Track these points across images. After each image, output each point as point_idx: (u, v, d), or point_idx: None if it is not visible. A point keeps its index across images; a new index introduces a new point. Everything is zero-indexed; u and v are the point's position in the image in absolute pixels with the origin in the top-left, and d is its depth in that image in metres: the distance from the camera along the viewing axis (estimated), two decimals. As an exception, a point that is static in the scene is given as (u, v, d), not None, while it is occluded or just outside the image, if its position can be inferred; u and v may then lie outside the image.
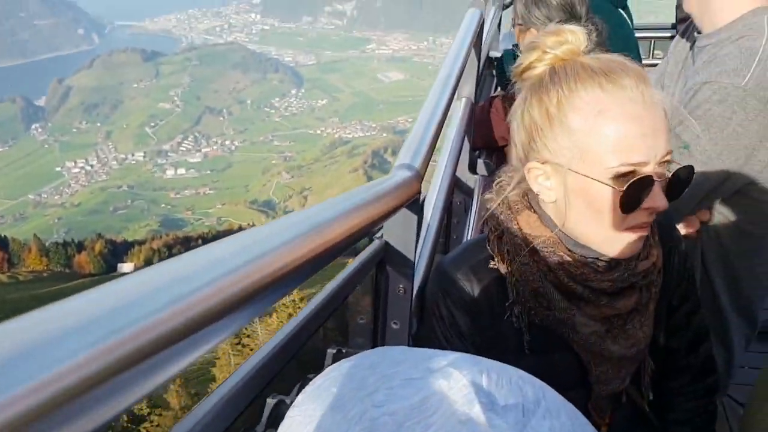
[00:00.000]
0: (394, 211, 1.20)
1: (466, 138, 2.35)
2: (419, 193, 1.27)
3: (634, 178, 0.99)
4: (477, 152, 2.73)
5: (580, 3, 2.51)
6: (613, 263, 1.09)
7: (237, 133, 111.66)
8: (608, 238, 1.06)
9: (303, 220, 0.84)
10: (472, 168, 2.52)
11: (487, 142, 2.66)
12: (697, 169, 1.40)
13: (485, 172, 2.52)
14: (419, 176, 1.27)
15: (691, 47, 1.58)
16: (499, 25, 4.00)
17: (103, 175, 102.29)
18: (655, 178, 1.00)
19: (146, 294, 0.47)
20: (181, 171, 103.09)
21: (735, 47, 1.40)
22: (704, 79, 1.41)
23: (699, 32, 1.54)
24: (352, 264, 1.23)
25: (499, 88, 3.37)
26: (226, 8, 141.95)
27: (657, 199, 1.01)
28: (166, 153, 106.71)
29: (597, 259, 1.09)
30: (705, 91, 1.40)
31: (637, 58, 2.91)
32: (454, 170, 2.07)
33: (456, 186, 2.34)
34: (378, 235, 1.39)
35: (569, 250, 1.10)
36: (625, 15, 3.07)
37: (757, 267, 1.59)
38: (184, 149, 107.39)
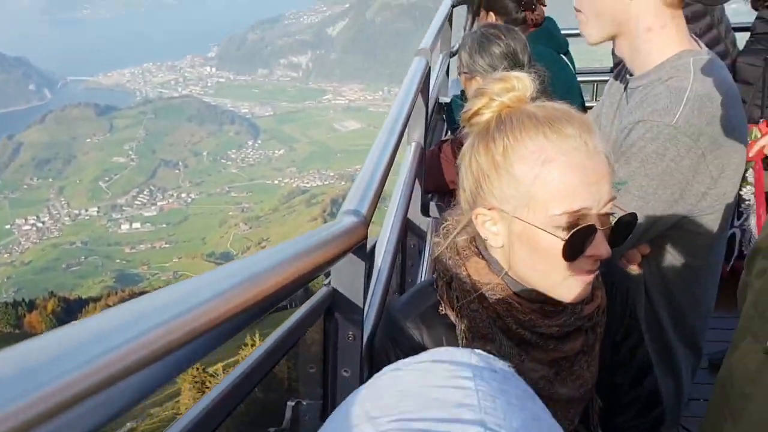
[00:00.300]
0: (339, 257, 1.19)
1: (417, 182, 2.36)
2: (365, 238, 1.26)
3: (577, 227, 1.01)
4: (429, 195, 2.75)
5: (522, 51, 2.59)
6: (560, 308, 1.10)
7: (193, 185, 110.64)
8: (553, 285, 1.08)
9: (238, 271, 0.82)
10: (425, 211, 2.53)
11: (438, 186, 2.68)
12: (635, 204, 1.47)
13: (437, 215, 2.54)
14: (365, 221, 1.27)
15: (625, 88, 1.64)
16: (448, 71, 4.09)
17: (56, 231, 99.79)
18: (598, 227, 1.02)
19: (58, 354, 0.44)
20: (137, 225, 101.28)
21: (664, 88, 1.47)
22: (637, 119, 1.47)
23: (631, 74, 1.61)
24: (297, 312, 1.20)
25: (449, 133, 3.42)
26: (181, 62, 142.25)
27: (600, 248, 1.03)
28: (121, 207, 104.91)
29: (544, 304, 1.10)
30: (639, 130, 1.45)
31: (581, 101, 3.00)
32: (405, 213, 2.07)
33: (409, 229, 2.35)
34: (327, 281, 1.37)
35: (517, 296, 1.11)
36: (566, 60, 3.16)
37: (698, 297, 1.63)
38: (140, 203, 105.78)
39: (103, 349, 0.48)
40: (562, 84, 2.92)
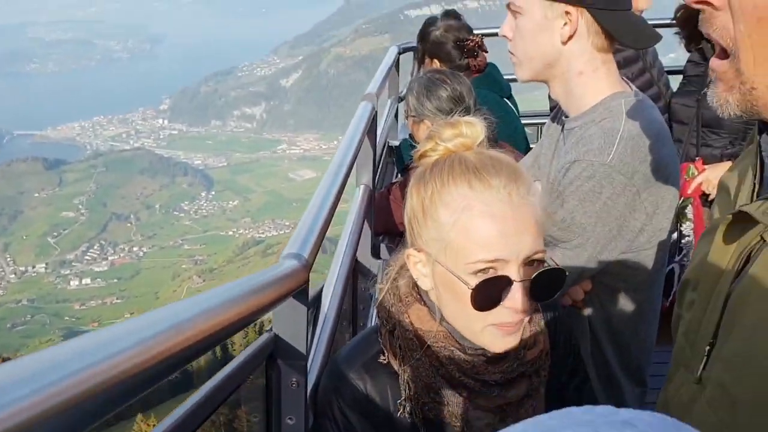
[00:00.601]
0: (277, 301, 1.17)
1: (366, 224, 2.36)
2: (307, 282, 1.25)
3: (487, 277, 1.02)
4: (380, 237, 2.74)
5: (468, 94, 2.64)
6: (503, 354, 1.09)
7: (145, 238, 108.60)
8: (475, 334, 1.08)
9: (162, 319, 0.78)
10: (375, 253, 2.52)
11: (387, 228, 2.68)
12: (576, 241, 1.51)
13: (388, 257, 2.53)
14: (307, 265, 1.25)
15: (562, 130, 1.68)
16: (396, 115, 4.15)
17: (0, 290, 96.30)
18: (515, 279, 1.02)
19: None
20: (87, 281, 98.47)
21: (598, 128, 1.52)
22: (573, 158, 1.51)
23: (566, 116, 1.65)
24: (235, 360, 1.16)
25: (399, 175, 3.45)
26: (133, 114, 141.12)
27: (517, 300, 1.03)
28: (70, 263, 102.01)
29: (487, 350, 1.09)
30: (575, 169, 1.50)
31: (525, 144, 3.07)
32: (354, 256, 2.06)
33: (359, 272, 2.33)
34: (269, 327, 1.34)
35: (459, 344, 1.10)
36: (510, 104, 3.24)
37: (641, 332, 1.65)
38: (90, 258, 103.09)
39: (6, 401, 0.45)
40: (506, 127, 2.97)
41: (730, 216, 0.89)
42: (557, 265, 1.08)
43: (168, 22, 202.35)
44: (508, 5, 1.61)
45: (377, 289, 1.24)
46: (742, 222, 0.88)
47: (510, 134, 2.96)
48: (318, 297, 1.80)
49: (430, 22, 3.35)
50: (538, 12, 1.54)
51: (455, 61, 3.19)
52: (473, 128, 1.11)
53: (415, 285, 1.17)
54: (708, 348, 0.91)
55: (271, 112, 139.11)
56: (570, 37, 1.53)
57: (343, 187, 1.71)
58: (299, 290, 1.24)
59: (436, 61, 3.24)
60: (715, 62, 0.85)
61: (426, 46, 3.27)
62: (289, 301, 1.24)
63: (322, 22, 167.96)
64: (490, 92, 3.10)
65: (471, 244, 1.03)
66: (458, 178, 1.06)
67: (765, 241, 0.86)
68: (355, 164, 2.08)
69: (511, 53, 1.65)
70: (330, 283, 1.83)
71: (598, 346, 1.63)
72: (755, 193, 0.92)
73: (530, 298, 1.05)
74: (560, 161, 1.61)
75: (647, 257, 1.57)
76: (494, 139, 2.70)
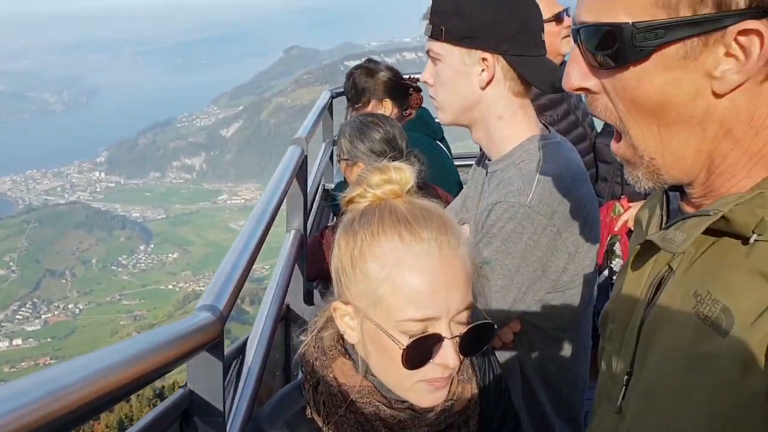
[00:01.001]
0: (187, 356, 1.12)
1: (297, 269, 2.30)
2: (220, 336, 1.20)
3: (418, 336, 0.99)
4: (315, 283, 2.68)
5: (400, 137, 2.64)
6: (430, 408, 1.07)
7: (81, 295, 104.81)
8: (403, 390, 1.05)
9: (53, 378, 0.73)
10: (309, 300, 2.46)
11: (321, 273, 2.62)
12: (501, 283, 1.51)
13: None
14: (222, 318, 1.21)
15: (486, 173, 1.71)
16: (332, 158, 4.13)
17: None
18: (446, 335, 1.00)
19: None
20: (18, 341, 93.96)
21: (517, 170, 1.55)
22: (495, 200, 1.53)
23: (489, 159, 1.68)
24: (145, 417, 1.09)
25: (335, 219, 3.41)
26: (68, 168, 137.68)
27: (447, 357, 1.00)
28: (0, 324, 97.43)
29: (413, 404, 1.07)
30: (497, 210, 1.51)
31: (458, 186, 3.07)
32: (282, 304, 2.00)
33: (291, 320, 2.27)
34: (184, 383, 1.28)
35: (385, 398, 1.07)
36: (443, 146, 3.27)
37: (571, 371, 1.65)
38: (21, 317, 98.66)
39: None
40: (439, 170, 2.98)
41: (638, 246, 0.93)
42: (486, 318, 1.06)
43: (105, 73, 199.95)
44: (427, 51, 1.64)
45: (297, 342, 1.19)
46: (650, 252, 0.92)
47: (442, 176, 2.96)
48: (242, 348, 1.73)
49: (372, 65, 3.36)
50: (456, 58, 1.57)
51: (404, 99, 3.23)
52: (402, 174, 1.08)
53: (340, 337, 1.13)
54: (626, 378, 0.93)
55: (211, 162, 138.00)
56: (488, 83, 1.57)
57: (266, 235, 1.66)
58: (213, 343, 1.19)
59: (387, 101, 3.24)
60: (614, 146, 0.91)
61: (375, 87, 3.26)
62: (202, 355, 1.19)
63: (263, 72, 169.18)
64: (423, 135, 3.12)
65: (401, 301, 1.00)
66: (389, 229, 1.02)
67: (672, 269, 0.89)
68: (285, 209, 2.04)
69: (433, 98, 1.68)
70: (256, 332, 1.76)
71: (530, 387, 1.63)
72: (662, 225, 0.95)
73: (460, 353, 1.03)
74: (483, 203, 1.63)
75: (572, 296, 1.59)
76: (426, 182, 2.70)
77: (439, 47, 1.58)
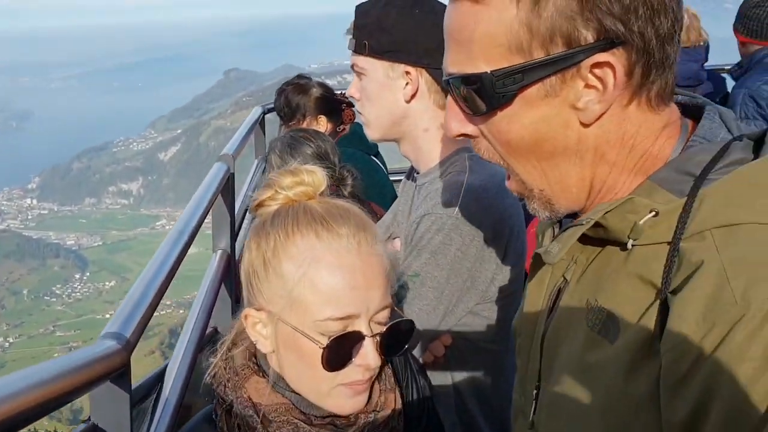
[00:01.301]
0: (88, 387, 1.02)
1: (224, 291, 2.20)
2: (126, 365, 1.11)
3: (339, 334, 0.96)
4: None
5: (332, 152, 2.60)
6: (352, 419, 1.03)
7: (11, 328, 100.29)
8: (321, 396, 1.00)
9: None
10: (236, 323, 2.34)
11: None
12: (431, 295, 1.49)
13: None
14: (127, 346, 1.12)
15: (415, 186, 1.71)
16: (264, 175, 4.02)
17: None
18: (366, 334, 0.97)
19: None
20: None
21: (444, 182, 1.56)
22: (423, 212, 1.53)
23: (417, 172, 1.69)
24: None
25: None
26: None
27: (368, 357, 0.98)
28: None
29: (335, 417, 1.02)
30: (425, 222, 1.51)
31: (394, 199, 3.01)
32: (205, 328, 1.88)
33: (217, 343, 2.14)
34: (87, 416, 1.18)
35: (304, 415, 1.02)
36: (378, 161, 3.23)
37: (502, 382, 1.64)
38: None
39: None
40: (374, 185, 2.94)
41: (531, 260, 0.96)
42: (404, 316, 1.05)
43: (36, 98, 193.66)
44: (352, 66, 1.64)
45: (208, 364, 1.10)
46: (545, 264, 0.94)
47: (378, 192, 2.93)
48: (162, 376, 1.60)
49: (303, 81, 3.33)
50: (380, 72, 1.58)
51: (338, 115, 3.21)
52: (314, 176, 1.06)
53: (252, 355, 1.08)
54: (535, 392, 0.94)
55: (149, 187, 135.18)
56: (413, 96, 1.58)
57: (182, 257, 1.56)
58: (117, 374, 1.10)
59: (322, 117, 3.23)
60: (507, 183, 0.95)
61: (308, 104, 3.23)
62: (106, 386, 1.10)
63: (202, 95, 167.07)
64: (357, 150, 3.08)
65: (319, 300, 0.96)
66: (304, 228, 0.99)
67: (567, 280, 0.90)
68: (209, 229, 1.92)
69: (360, 113, 1.69)
70: (175, 359, 1.65)
71: (462, 399, 1.62)
72: (554, 237, 0.97)
73: (381, 353, 1.00)
74: (412, 216, 1.63)
75: (501, 307, 1.58)
76: (361, 198, 2.64)
77: (363, 61, 1.60)
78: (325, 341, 0.95)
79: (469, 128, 0.91)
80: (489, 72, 0.82)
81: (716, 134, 0.84)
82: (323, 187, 1.06)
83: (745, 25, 3.44)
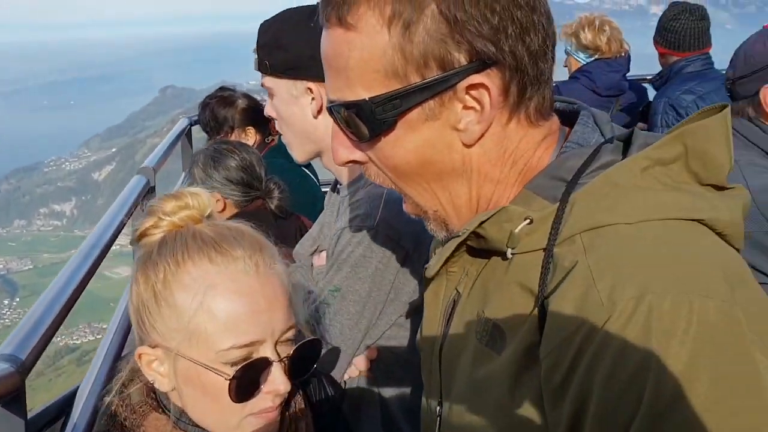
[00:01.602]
0: None
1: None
2: (19, 389, 1.02)
3: (244, 362, 0.91)
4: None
5: (258, 164, 2.53)
6: None
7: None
8: (232, 428, 0.94)
9: None
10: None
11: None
12: (353, 309, 1.45)
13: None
14: (22, 368, 1.04)
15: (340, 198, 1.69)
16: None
17: None
18: (272, 359, 0.93)
19: None
20: None
21: (364, 194, 1.54)
22: (343, 225, 1.51)
23: (340, 184, 1.67)
24: None
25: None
26: None
27: (277, 382, 0.93)
28: None
29: None
30: (345, 236, 1.49)
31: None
32: (121, 348, 1.78)
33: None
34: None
35: None
36: (308, 172, 3.18)
37: None
38: None
39: None
40: (305, 197, 2.90)
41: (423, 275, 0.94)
42: (310, 336, 1.01)
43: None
44: (262, 85, 1.63)
45: (102, 401, 1.03)
46: (437, 278, 0.93)
47: (310, 203, 2.89)
48: (70, 401, 1.51)
49: (228, 94, 3.26)
50: (284, 91, 1.58)
51: (266, 126, 3.16)
52: (199, 199, 1.01)
53: (151, 390, 1.01)
54: (438, 408, 0.93)
55: (83, 207, 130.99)
56: (319, 111, 1.57)
57: (90, 276, 1.47)
58: (9, 398, 1.01)
59: (251, 129, 3.16)
60: (404, 206, 0.94)
61: (235, 116, 3.16)
62: None
63: (137, 112, 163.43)
64: (287, 161, 3.02)
65: (220, 329, 0.90)
66: (195, 254, 0.93)
67: (459, 292, 0.89)
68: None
69: (280, 134, 1.68)
70: (88, 381, 1.55)
71: (389, 413, 1.59)
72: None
73: (290, 377, 0.95)
74: (333, 229, 1.62)
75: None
76: (289, 211, 2.59)
77: (269, 81, 1.60)
78: (230, 372, 0.90)
79: (357, 154, 0.90)
80: (368, 99, 0.81)
81: (589, 138, 0.85)
82: (209, 210, 1.02)
83: (664, 37, 3.58)
